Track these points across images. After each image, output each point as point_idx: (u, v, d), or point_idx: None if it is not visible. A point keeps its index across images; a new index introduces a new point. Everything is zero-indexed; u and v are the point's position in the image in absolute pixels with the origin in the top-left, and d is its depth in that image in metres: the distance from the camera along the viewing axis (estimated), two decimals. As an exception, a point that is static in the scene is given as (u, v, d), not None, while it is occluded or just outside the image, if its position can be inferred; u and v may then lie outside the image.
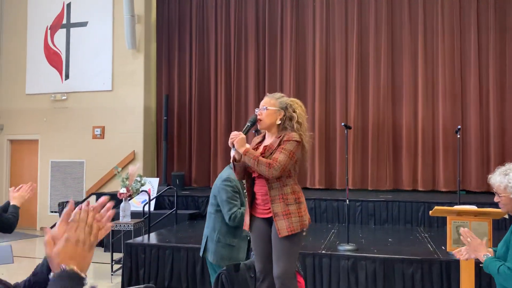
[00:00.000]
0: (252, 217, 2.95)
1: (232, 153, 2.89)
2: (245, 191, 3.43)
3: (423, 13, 8.22)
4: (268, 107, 2.91)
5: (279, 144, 2.83)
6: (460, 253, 2.48)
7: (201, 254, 3.55)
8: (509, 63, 7.86)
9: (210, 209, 3.57)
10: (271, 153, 2.79)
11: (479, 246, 2.38)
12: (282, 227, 2.76)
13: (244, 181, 3.41)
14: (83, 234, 1.11)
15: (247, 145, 2.86)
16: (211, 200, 3.56)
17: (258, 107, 2.97)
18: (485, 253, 2.35)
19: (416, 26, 8.26)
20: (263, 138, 3.03)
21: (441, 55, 8.09)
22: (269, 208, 2.83)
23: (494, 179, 2.42)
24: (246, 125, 2.89)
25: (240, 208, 3.36)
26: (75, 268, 1.06)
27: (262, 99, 3.07)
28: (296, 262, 2.89)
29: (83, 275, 1.08)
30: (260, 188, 2.89)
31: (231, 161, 2.97)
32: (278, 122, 2.91)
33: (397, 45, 8.37)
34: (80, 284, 1.07)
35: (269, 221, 2.87)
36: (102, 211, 1.18)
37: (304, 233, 3.15)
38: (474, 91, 7.93)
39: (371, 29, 8.43)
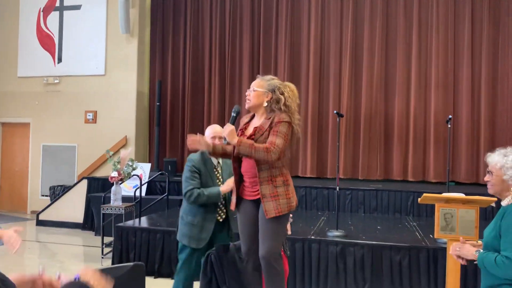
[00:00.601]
0: (239, 198, 2.97)
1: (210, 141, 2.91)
2: (217, 174, 3.45)
3: (418, 4, 8.23)
4: (256, 88, 2.93)
5: (270, 126, 2.83)
6: (453, 250, 2.47)
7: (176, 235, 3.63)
8: (502, 56, 7.90)
9: None
10: (262, 135, 2.80)
11: (469, 249, 2.38)
12: (270, 208, 2.78)
13: (220, 163, 3.48)
14: None
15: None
16: None
17: None
18: (476, 249, 2.36)
19: (411, 17, 8.27)
20: (251, 118, 3.04)
21: (435, 47, 8.11)
22: (257, 190, 2.85)
23: (492, 157, 2.40)
24: (232, 116, 2.90)
25: (198, 188, 3.36)
26: None
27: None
28: (281, 243, 2.92)
29: None
30: (248, 170, 2.90)
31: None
32: (265, 104, 2.91)
33: (391, 35, 8.38)
34: None
35: (257, 203, 2.89)
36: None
37: (291, 220, 3.20)
38: (466, 83, 7.98)
39: (366, 19, 8.43)
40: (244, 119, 3.06)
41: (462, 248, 2.40)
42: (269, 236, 2.79)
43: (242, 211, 2.94)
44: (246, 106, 2.96)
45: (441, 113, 7.99)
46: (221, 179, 3.48)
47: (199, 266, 3.40)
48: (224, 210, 3.43)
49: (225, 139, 2.78)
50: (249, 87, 3.05)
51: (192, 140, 2.86)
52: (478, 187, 7.54)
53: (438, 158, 7.99)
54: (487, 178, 2.43)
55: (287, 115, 2.87)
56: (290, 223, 3.51)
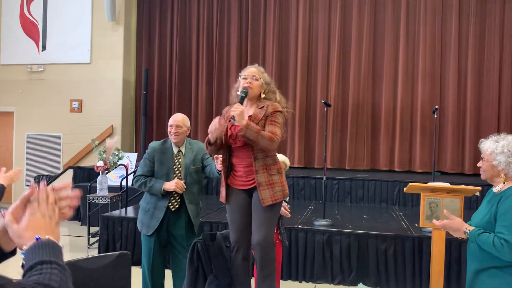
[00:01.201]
0: (229, 188, 2.96)
1: (212, 127, 2.85)
2: (176, 163, 3.40)
3: (406, -6, 8.24)
4: (258, 78, 2.95)
5: (266, 115, 2.85)
6: (438, 224, 2.50)
7: None
8: (488, 47, 7.97)
9: None
10: (257, 123, 2.80)
11: (462, 223, 2.41)
12: (267, 196, 2.80)
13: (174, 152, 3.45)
14: (47, 211, 1.07)
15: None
16: None
17: (243, 76, 2.95)
18: (466, 227, 2.39)
19: (399, 8, 8.28)
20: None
21: (422, 38, 8.14)
22: (252, 179, 2.85)
23: (485, 143, 2.43)
24: (241, 97, 2.83)
25: (146, 177, 3.37)
26: (50, 237, 1.02)
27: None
28: (274, 230, 2.94)
29: (60, 244, 1.03)
30: (242, 160, 2.89)
31: (205, 142, 2.95)
32: (263, 95, 2.96)
33: (379, 26, 8.38)
34: (59, 253, 1.01)
35: (249, 192, 2.89)
36: (62, 193, 1.13)
37: (289, 206, 3.23)
38: (452, 74, 8.04)
39: (355, 9, 8.42)
40: (227, 108, 3.02)
41: (452, 220, 2.43)
42: (264, 223, 2.80)
43: (233, 200, 2.93)
44: (241, 93, 2.93)
45: (427, 103, 8.05)
46: (181, 169, 3.41)
47: (161, 255, 3.40)
48: (178, 200, 3.36)
49: (233, 118, 2.72)
50: (237, 76, 3.03)
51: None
52: (463, 176, 7.65)
53: (424, 148, 8.06)
54: (479, 164, 2.46)
55: (280, 104, 2.92)
56: (290, 209, 3.59)
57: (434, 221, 2.60)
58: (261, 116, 2.85)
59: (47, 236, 1.01)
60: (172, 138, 3.41)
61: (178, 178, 3.36)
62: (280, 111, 2.88)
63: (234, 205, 2.91)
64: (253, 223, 2.83)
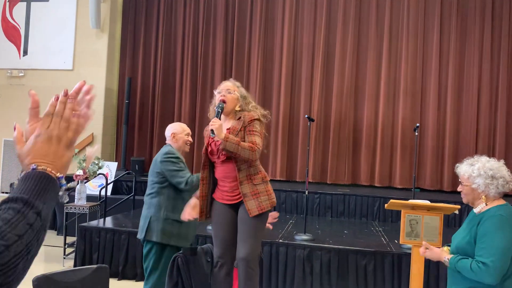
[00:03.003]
0: (214, 202, 2.93)
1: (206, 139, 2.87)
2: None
3: (389, 14, 8.39)
4: (233, 92, 2.95)
5: (244, 125, 2.86)
6: (423, 251, 2.55)
7: (141, 236, 3.35)
8: (468, 66, 8.15)
9: (152, 189, 3.41)
10: (236, 135, 2.80)
11: (441, 253, 2.48)
12: (252, 206, 2.77)
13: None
14: (57, 130, 0.93)
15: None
16: (153, 179, 3.40)
17: (217, 91, 2.98)
18: (446, 256, 2.43)
19: (382, 27, 8.43)
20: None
21: (404, 56, 8.29)
22: (238, 194, 2.83)
23: (461, 168, 2.47)
24: (217, 111, 2.85)
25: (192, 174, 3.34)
26: (48, 168, 0.88)
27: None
28: (261, 243, 2.91)
29: (58, 174, 0.90)
30: (227, 174, 2.86)
31: (202, 151, 2.94)
32: (238, 108, 2.97)
33: (363, 43, 8.51)
34: (55, 186, 0.88)
35: (235, 207, 2.87)
36: (79, 97, 0.99)
37: (276, 219, 3.21)
38: (433, 92, 8.19)
39: (339, 26, 8.53)
40: (205, 139, 3.02)
41: (432, 251, 2.47)
42: (251, 235, 2.77)
43: (217, 214, 2.89)
44: (217, 108, 2.92)
45: (408, 120, 8.17)
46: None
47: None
48: None
49: (212, 132, 2.72)
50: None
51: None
52: (442, 193, 7.75)
53: (404, 165, 8.16)
54: (459, 188, 2.49)
55: (255, 112, 2.93)
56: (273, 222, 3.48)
57: (420, 249, 2.63)
58: (239, 127, 2.86)
59: (43, 167, 0.88)
60: (187, 148, 3.42)
61: None
62: (257, 119, 2.90)
63: (219, 218, 2.88)
64: (239, 236, 2.80)
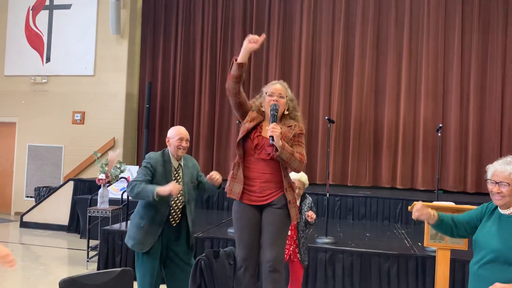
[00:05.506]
0: (240, 204, 2.90)
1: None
2: (176, 176, 3.27)
3: (409, 13, 8.29)
4: (284, 96, 2.94)
5: (294, 135, 2.89)
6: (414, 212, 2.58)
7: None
8: (490, 65, 7.99)
9: None
10: (286, 142, 2.82)
11: (429, 212, 2.54)
12: (293, 214, 2.87)
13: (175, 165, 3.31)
14: None
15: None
16: None
17: (268, 93, 2.92)
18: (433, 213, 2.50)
19: (402, 26, 8.33)
20: (257, 122, 2.92)
21: (425, 55, 8.18)
22: (267, 195, 2.84)
23: (496, 167, 2.33)
24: (274, 115, 2.82)
25: (145, 183, 3.11)
26: None
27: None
28: (284, 248, 2.96)
29: None
30: (260, 174, 2.84)
31: (230, 63, 2.82)
32: (286, 112, 2.96)
33: (382, 43, 8.43)
34: None
35: (259, 208, 2.86)
36: None
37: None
38: (455, 92, 8.05)
39: (358, 26, 8.47)
40: (247, 124, 2.90)
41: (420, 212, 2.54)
42: (278, 241, 2.82)
43: (243, 216, 2.86)
44: (273, 111, 2.85)
45: (430, 121, 8.04)
46: (181, 183, 3.28)
47: (160, 273, 3.25)
48: (179, 214, 3.23)
49: (272, 138, 2.70)
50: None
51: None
52: (466, 195, 7.61)
53: (426, 166, 8.03)
54: (496, 189, 2.31)
55: (303, 124, 3.00)
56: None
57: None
58: (290, 136, 2.88)
59: None
60: (179, 152, 3.27)
61: (180, 194, 3.24)
62: (303, 133, 2.97)
63: (245, 221, 2.85)
64: (265, 240, 2.78)
